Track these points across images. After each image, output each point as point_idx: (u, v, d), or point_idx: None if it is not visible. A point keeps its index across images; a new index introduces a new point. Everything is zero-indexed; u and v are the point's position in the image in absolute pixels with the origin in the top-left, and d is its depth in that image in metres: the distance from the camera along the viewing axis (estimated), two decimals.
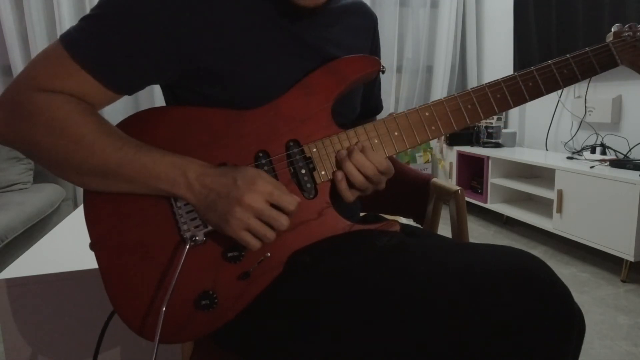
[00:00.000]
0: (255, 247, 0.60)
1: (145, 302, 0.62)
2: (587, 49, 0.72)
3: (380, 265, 0.59)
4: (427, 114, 0.69)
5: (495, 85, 0.70)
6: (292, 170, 0.66)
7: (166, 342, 0.62)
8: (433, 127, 0.69)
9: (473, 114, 0.70)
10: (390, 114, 0.70)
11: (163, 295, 0.62)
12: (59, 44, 0.59)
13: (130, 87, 0.64)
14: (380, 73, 0.71)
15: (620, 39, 0.74)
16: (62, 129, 0.58)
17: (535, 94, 0.71)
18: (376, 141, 0.68)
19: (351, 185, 0.66)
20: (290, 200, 0.60)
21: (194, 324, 0.63)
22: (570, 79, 0.72)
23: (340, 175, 0.66)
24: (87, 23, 0.59)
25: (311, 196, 0.66)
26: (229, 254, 0.63)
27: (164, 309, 0.59)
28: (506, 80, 0.70)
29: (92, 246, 0.63)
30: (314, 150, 0.66)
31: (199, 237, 0.62)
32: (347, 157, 0.66)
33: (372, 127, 0.68)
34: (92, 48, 0.59)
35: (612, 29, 0.75)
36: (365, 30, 0.82)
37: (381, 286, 0.57)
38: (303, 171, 0.66)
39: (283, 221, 0.60)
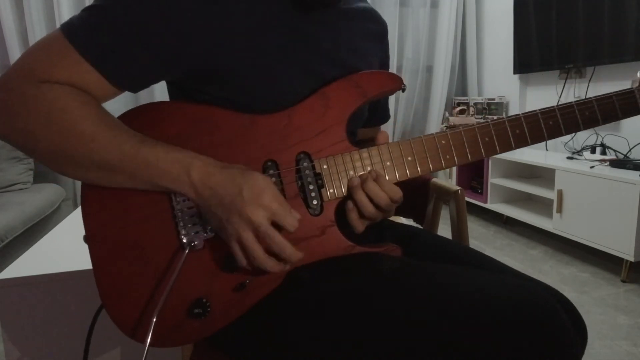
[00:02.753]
0: (241, 262, 0.58)
1: (137, 304, 0.61)
2: (612, 93, 0.70)
3: (382, 288, 0.58)
4: (443, 142, 0.67)
5: (515, 120, 0.68)
6: (299, 184, 0.64)
7: (153, 346, 0.60)
8: (448, 156, 0.67)
9: (489, 147, 0.68)
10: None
11: (156, 300, 0.60)
12: (60, 33, 0.55)
13: (134, 83, 0.61)
14: (401, 91, 0.70)
15: None
16: (61, 122, 0.54)
17: (554, 133, 0.69)
18: (388, 164, 0.66)
19: (361, 214, 0.64)
20: (292, 223, 0.58)
21: (184, 330, 0.61)
22: (590, 122, 0.70)
23: (350, 205, 0.64)
24: (90, 14, 0.56)
25: (316, 213, 0.64)
26: (227, 263, 0.62)
27: (154, 318, 0.57)
28: (527, 116, 0.68)
29: (86, 239, 0.61)
30: (325, 166, 0.64)
31: (198, 243, 0.60)
32: (359, 185, 0.63)
33: (387, 150, 0.66)
34: (96, 40, 0.56)
35: (638, 74, 0.73)
36: (377, 37, 0.80)
37: (382, 310, 0.56)
38: (311, 187, 0.64)
39: (279, 243, 0.56)
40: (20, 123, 0.55)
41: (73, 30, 0.56)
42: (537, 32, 2.85)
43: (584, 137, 2.68)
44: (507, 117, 0.68)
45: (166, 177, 0.57)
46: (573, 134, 2.74)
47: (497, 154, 0.68)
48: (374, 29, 0.79)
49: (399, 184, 0.68)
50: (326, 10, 0.68)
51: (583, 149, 2.64)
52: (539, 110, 0.69)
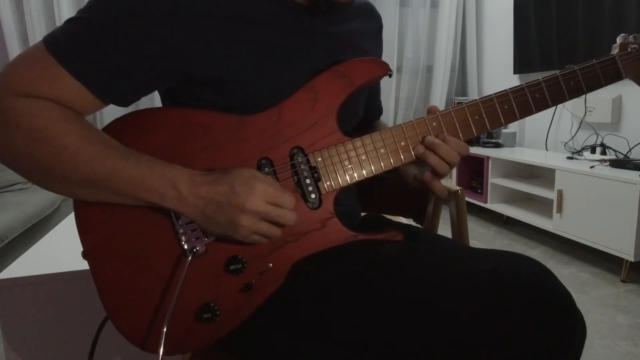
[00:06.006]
0: (265, 242, 0.61)
1: (145, 315, 0.60)
2: (594, 60, 0.71)
3: (384, 271, 0.59)
4: (434, 124, 0.68)
5: (503, 96, 0.69)
6: (296, 179, 0.64)
7: (166, 354, 0.60)
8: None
9: (480, 125, 0.69)
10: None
11: (164, 309, 0.60)
12: (43, 46, 0.54)
13: (123, 97, 0.59)
14: (388, 76, 0.69)
15: (626, 51, 0.73)
16: (43, 139, 0.53)
17: (542, 105, 0.71)
18: (382, 151, 0.66)
19: (436, 174, 0.68)
20: (290, 199, 0.59)
21: (195, 336, 0.61)
22: (575, 92, 0.71)
23: (429, 175, 0.68)
24: (74, 26, 0.55)
25: (315, 206, 0.64)
26: (231, 267, 0.61)
27: (165, 328, 0.57)
28: (514, 91, 0.69)
29: (85, 255, 0.60)
30: (319, 159, 0.64)
31: (200, 248, 0.60)
32: (433, 151, 0.66)
33: (379, 136, 0.66)
34: (80, 52, 0.54)
35: (618, 40, 0.74)
36: (375, 34, 0.80)
37: (386, 291, 0.56)
38: (308, 181, 0.64)
39: (290, 216, 0.59)
40: (1, 139, 0.54)
41: (56, 43, 0.54)
42: (537, 32, 2.85)
43: (584, 137, 2.68)
44: (495, 94, 0.70)
45: (154, 194, 0.56)
46: (573, 134, 2.74)
47: (487, 131, 0.70)
48: (373, 26, 0.79)
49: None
50: (342, 8, 0.67)
51: (583, 149, 2.64)
52: (525, 84, 0.70)
